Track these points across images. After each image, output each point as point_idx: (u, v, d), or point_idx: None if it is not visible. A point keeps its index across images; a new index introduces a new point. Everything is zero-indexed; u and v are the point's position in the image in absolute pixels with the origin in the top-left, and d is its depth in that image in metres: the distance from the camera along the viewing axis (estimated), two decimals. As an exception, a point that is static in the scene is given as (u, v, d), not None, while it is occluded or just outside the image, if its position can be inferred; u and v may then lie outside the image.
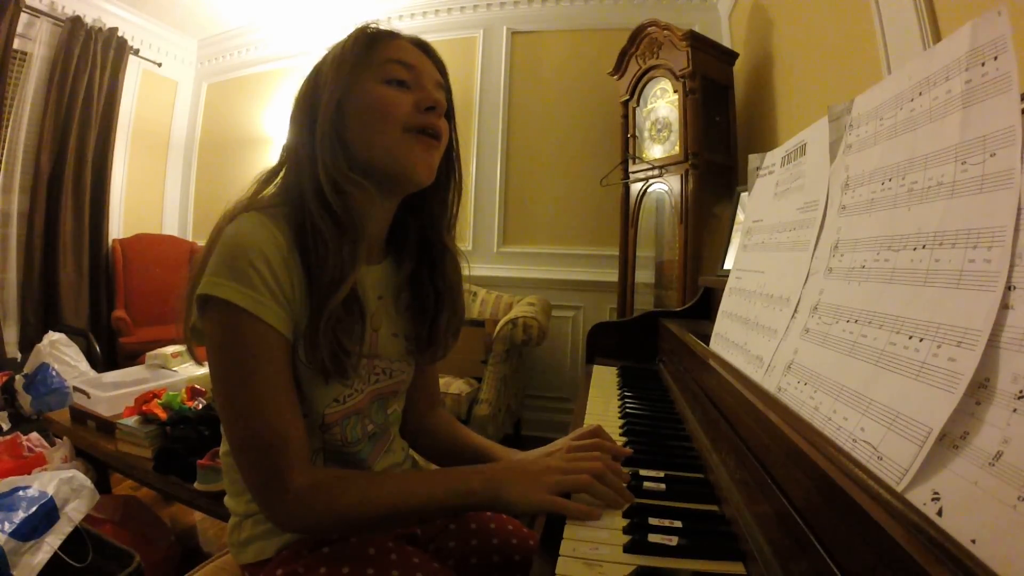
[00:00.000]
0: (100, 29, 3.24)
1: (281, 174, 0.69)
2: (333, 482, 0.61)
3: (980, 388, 0.36)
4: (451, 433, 0.87)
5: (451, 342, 0.80)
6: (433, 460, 0.89)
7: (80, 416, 1.66)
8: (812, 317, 0.62)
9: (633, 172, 2.40)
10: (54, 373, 2.39)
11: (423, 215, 0.76)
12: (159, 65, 3.72)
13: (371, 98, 0.65)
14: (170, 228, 3.93)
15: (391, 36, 0.69)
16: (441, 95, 0.70)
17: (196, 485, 1.29)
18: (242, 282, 0.57)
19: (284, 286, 0.60)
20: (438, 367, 0.90)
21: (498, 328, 2.32)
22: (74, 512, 1.20)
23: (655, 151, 2.27)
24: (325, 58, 0.69)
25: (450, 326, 0.79)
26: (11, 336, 3.01)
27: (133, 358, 2.79)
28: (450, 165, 0.76)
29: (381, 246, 0.76)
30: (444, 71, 0.73)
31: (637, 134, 2.38)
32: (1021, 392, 0.33)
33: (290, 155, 0.68)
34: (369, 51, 0.67)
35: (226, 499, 0.73)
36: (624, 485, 0.60)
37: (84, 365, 2.60)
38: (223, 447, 0.73)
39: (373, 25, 0.70)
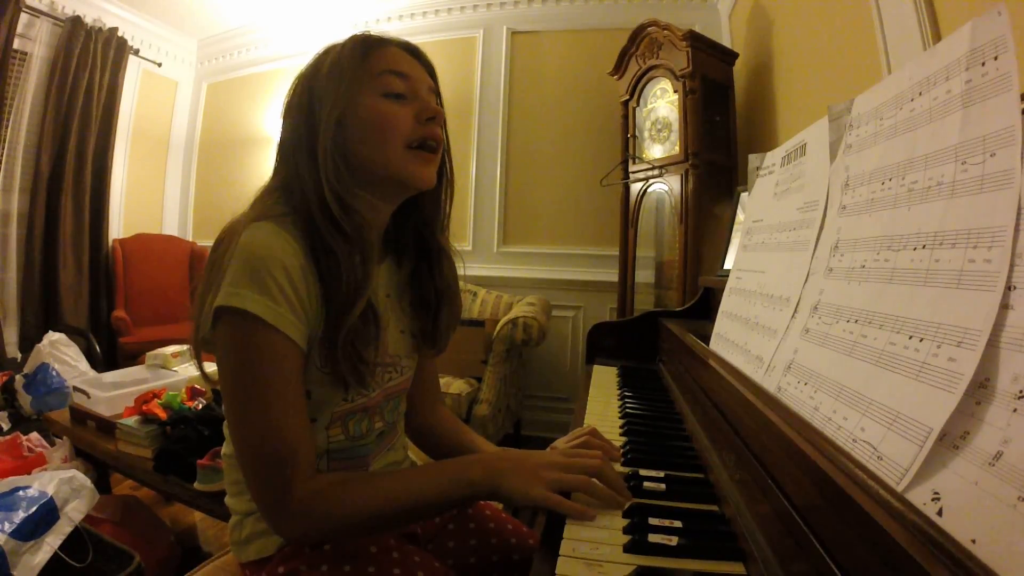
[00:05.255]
0: (100, 29, 3.24)
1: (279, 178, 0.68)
2: (333, 488, 0.60)
3: (980, 388, 0.36)
4: (454, 434, 0.88)
5: (451, 335, 0.83)
6: (435, 459, 0.90)
7: (80, 416, 1.66)
8: (812, 317, 0.62)
9: (633, 172, 2.40)
10: (54, 373, 2.39)
11: (417, 215, 0.77)
12: (159, 65, 3.71)
13: (372, 114, 0.66)
14: (170, 228, 3.93)
15: (383, 43, 0.69)
16: (434, 101, 0.72)
17: (196, 485, 1.29)
18: (262, 292, 0.57)
19: (302, 296, 0.60)
20: (438, 366, 0.92)
21: (498, 328, 2.32)
22: (74, 512, 1.19)
23: (655, 151, 2.27)
24: (318, 67, 0.68)
25: (450, 320, 0.81)
26: (11, 336, 3.01)
27: (133, 358, 2.79)
28: (442, 166, 0.76)
29: (380, 246, 0.76)
30: (434, 74, 0.74)
31: (637, 134, 2.37)
32: (1021, 392, 0.33)
33: (288, 164, 0.67)
34: (364, 62, 0.67)
35: (227, 498, 0.74)
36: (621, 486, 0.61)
37: (84, 365, 2.60)
38: (225, 447, 0.73)
39: (363, 32, 0.70)
